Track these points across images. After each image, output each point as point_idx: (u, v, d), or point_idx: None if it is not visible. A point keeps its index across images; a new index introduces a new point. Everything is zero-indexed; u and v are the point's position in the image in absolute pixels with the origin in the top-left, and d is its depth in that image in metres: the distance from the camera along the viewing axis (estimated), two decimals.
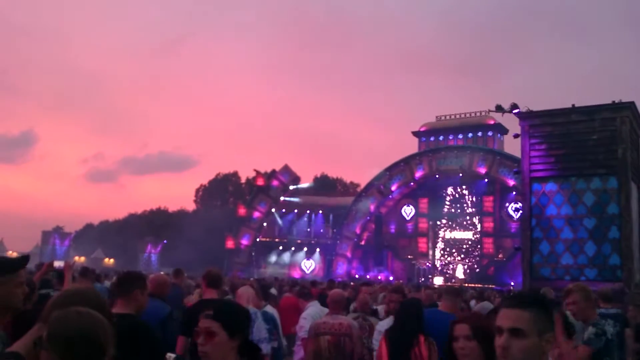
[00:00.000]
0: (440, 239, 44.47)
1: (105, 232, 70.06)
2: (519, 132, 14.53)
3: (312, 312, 6.86)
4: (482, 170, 40.74)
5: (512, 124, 21.78)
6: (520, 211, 15.35)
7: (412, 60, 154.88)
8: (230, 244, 46.99)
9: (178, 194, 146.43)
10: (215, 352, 2.37)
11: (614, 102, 13.90)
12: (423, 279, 39.84)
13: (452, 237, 44.38)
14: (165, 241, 58.48)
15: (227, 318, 2.43)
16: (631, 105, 13.85)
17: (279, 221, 49.12)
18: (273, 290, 12.16)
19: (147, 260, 58.34)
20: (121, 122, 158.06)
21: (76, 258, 56.04)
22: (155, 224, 66.40)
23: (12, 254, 51.45)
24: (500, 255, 41.25)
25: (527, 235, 14.09)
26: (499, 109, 15.08)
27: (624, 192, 13.26)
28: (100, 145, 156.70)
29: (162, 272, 24.21)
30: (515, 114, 14.70)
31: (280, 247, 47.85)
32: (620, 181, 13.35)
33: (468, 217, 43.28)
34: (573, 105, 14.15)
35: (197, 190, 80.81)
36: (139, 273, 4.34)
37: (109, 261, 61.31)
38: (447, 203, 43.91)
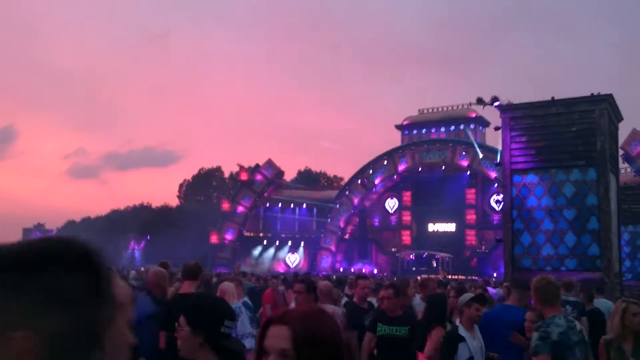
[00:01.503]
0: (423, 231, 44.74)
1: (87, 229, 69.26)
2: (500, 124, 14.64)
3: None
4: (465, 163, 41.05)
5: (493, 116, 22.01)
6: (502, 203, 15.48)
7: (394, 54, 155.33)
8: (214, 239, 46.83)
9: (161, 189, 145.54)
10: (182, 345, 2.39)
11: (592, 94, 14.07)
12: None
13: (436, 230, 44.70)
14: (148, 237, 58.05)
15: (190, 312, 2.43)
16: (609, 97, 14.03)
17: (263, 216, 49.05)
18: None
19: (130, 256, 57.88)
20: (103, 117, 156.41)
21: None
22: (138, 219, 65.88)
23: None
24: (482, 247, 41.62)
25: (509, 226, 14.23)
26: (480, 101, 15.25)
27: (602, 183, 13.46)
28: (82, 141, 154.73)
29: (142, 269, 24.08)
30: (496, 106, 14.84)
31: (265, 242, 47.82)
32: (599, 172, 13.54)
33: (451, 210, 43.58)
34: (553, 97, 14.30)
35: (181, 186, 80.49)
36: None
37: None
38: (430, 195, 44.18)
